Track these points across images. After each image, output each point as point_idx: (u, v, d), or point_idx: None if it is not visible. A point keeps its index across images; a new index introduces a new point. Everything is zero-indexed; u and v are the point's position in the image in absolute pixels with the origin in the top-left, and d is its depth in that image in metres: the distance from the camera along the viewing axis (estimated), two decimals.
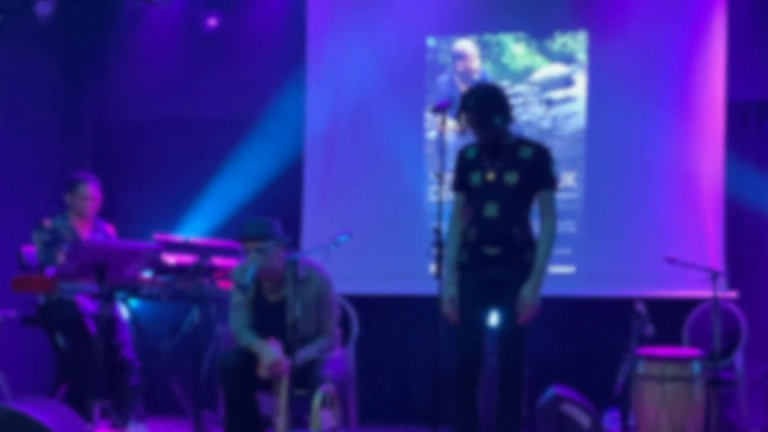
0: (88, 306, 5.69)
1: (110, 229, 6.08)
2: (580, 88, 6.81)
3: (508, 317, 4.56)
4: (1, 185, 6.66)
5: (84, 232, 5.88)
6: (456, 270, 4.67)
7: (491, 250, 4.58)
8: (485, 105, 4.59)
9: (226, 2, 7.55)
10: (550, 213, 4.65)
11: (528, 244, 4.62)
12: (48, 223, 5.79)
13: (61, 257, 5.66)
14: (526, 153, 4.64)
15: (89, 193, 5.89)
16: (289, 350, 4.72)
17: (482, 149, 4.68)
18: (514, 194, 4.59)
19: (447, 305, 4.62)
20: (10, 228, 6.56)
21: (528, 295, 4.54)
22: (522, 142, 4.70)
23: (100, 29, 7.73)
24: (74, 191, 5.88)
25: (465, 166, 4.70)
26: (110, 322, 5.71)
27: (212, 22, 7.52)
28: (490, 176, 4.61)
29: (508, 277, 4.58)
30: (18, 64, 7.01)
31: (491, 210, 4.58)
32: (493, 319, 4.70)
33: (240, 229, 4.98)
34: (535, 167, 4.62)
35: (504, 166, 4.61)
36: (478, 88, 4.74)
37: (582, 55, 6.82)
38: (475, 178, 4.64)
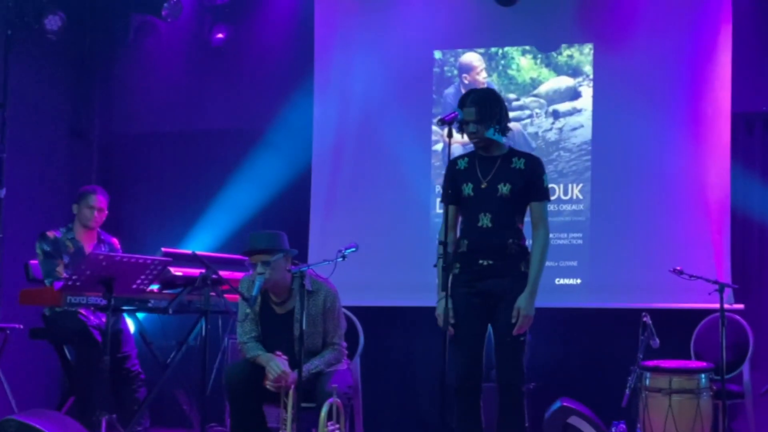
0: (90, 318, 5.71)
1: (115, 241, 6.10)
2: (586, 101, 6.82)
3: (506, 329, 4.55)
4: (9, 198, 6.68)
5: (88, 244, 5.90)
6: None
7: (485, 261, 4.59)
8: (485, 99, 4.64)
9: (234, 15, 7.58)
10: (542, 223, 4.65)
11: (522, 254, 4.62)
12: (51, 234, 5.82)
13: (60, 269, 5.69)
14: (518, 163, 4.65)
15: (97, 204, 5.92)
16: (295, 363, 4.73)
17: (474, 159, 4.69)
18: (507, 204, 4.59)
19: (442, 318, 4.60)
20: (17, 241, 6.59)
21: (523, 305, 4.53)
22: (514, 152, 4.71)
23: (109, 42, 7.78)
24: (82, 201, 5.92)
25: (456, 177, 4.68)
26: (115, 333, 5.72)
27: (220, 35, 7.55)
28: (483, 186, 4.62)
29: (503, 288, 4.57)
30: (27, 77, 7.04)
31: (485, 220, 4.59)
32: (491, 330, 4.69)
33: (246, 242, 4.99)
34: (528, 178, 4.62)
35: (497, 176, 4.62)
36: (477, 89, 4.94)
37: (588, 68, 6.83)
38: (468, 189, 4.64)
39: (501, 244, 4.58)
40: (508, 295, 4.56)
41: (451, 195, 4.68)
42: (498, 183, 4.60)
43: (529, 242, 4.67)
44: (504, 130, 4.67)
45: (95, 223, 5.95)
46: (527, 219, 4.70)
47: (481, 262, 4.59)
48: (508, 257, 4.58)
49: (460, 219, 4.71)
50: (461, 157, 4.74)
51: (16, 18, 6.75)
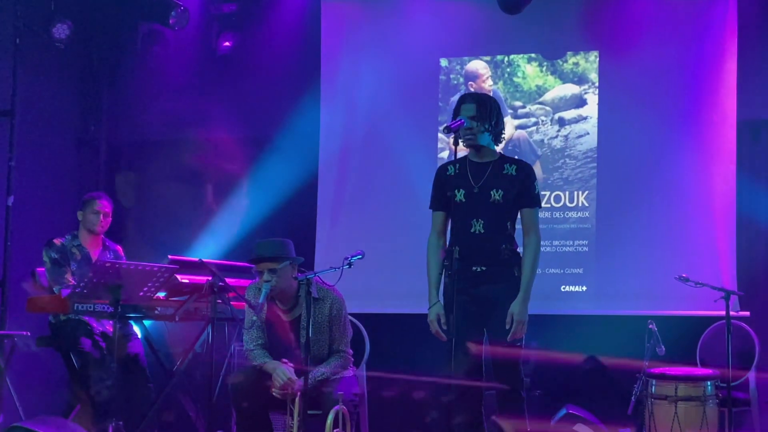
0: (94, 324, 5.72)
1: (119, 248, 6.12)
2: (591, 108, 6.83)
3: (501, 335, 4.55)
4: (17, 206, 6.71)
5: (94, 250, 5.92)
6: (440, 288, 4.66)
7: (478, 268, 4.59)
8: (485, 100, 4.68)
9: (241, 23, 7.60)
10: (533, 230, 4.66)
11: (515, 259, 4.63)
12: (58, 241, 5.84)
13: (68, 276, 5.71)
14: (510, 169, 4.66)
15: (102, 208, 5.94)
16: (301, 370, 4.74)
17: (465, 165, 4.68)
18: (499, 210, 4.60)
19: (434, 325, 4.60)
20: (25, 249, 6.61)
21: (516, 311, 4.54)
22: (505, 159, 4.74)
23: (116, 51, 7.81)
24: (87, 207, 5.94)
25: (446, 183, 4.68)
26: (122, 336, 5.72)
27: (226, 43, 7.58)
28: (476, 192, 4.62)
29: (497, 294, 4.58)
30: (35, 85, 7.07)
31: (477, 226, 4.60)
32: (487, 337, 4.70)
33: (253, 250, 5.01)
34: (519, 184, 4.64)
35: (488, 181, 4.63)
36: (479, 92, 4.97)
37: (594, 75, 6.84)
38: (460, 195, 4.64)
39: (494, 249, 4.59)
40: (502, 301, 4.57)
41: (440, 201, 4.69)
42: (490, 189, 4.61)
43: (520, 249, 4.68)
44: (497, 138, 4.69)
45: (101, 228, 5.97)
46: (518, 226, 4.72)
47: (474, 268, 4.59)
48: (501, 263, 4.60)
49: (449, 226, 4.71)
50: (451, 163, 4.72)
51: (24, 26, 6.77)
